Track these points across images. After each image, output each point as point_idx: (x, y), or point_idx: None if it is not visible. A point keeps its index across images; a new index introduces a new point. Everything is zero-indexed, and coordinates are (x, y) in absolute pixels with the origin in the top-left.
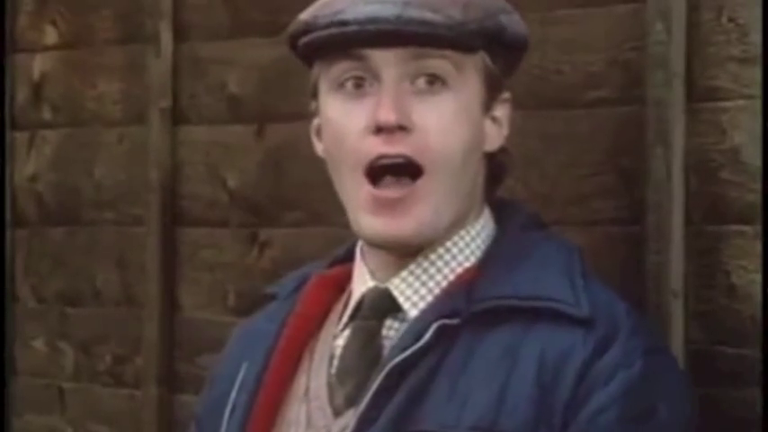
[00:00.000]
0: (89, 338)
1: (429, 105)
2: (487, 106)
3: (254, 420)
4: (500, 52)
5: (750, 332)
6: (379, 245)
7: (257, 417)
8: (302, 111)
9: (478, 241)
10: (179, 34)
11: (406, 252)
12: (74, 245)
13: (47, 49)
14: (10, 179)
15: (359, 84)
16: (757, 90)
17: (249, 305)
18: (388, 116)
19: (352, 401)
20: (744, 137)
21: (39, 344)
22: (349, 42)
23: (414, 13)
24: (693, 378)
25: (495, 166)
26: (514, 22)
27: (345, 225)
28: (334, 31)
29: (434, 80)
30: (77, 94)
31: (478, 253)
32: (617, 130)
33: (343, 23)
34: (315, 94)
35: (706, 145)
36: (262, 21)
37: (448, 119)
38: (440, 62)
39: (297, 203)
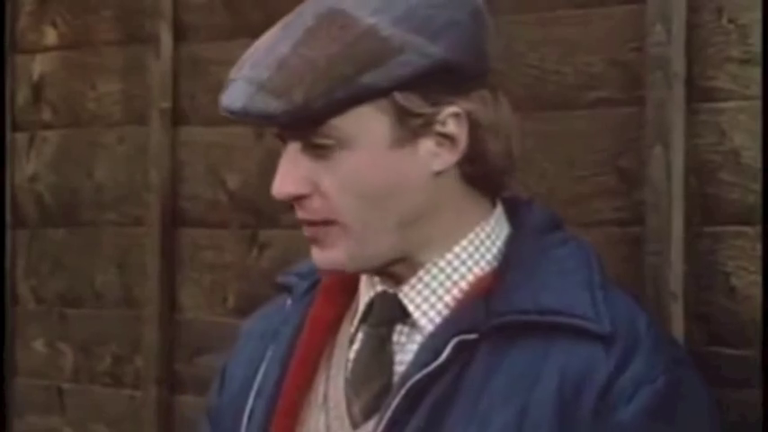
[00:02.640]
0: (89, 339)
1: (325, 169)
2: (417, 133)
3: (274, 427)
4: (409, 85)
5: (750, 333)
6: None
7: (277, 423)
8: None
9: (488, 243)
10: (179, 35)
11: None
12: (74, 246)
13: (47, 49)
14: (10, 180)
15: (283, 141)
16: (757, 91)
17: (249, 306)
18: (279, 189)
19: (369, 413)
20: (744, 138)
21: (38, 345)
22: None
23: (258, 103)
24: None
25: (472, 176)
26: (396, 68)
27: None
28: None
29: (325, 145)
30: (77, 94)
31: (489, 257)
32: (617, 131)
33: (223, 106)
34: None
35: (706, 146)
36: (262, 22)
37: (346, 179)
38: (323, 127)
39: None
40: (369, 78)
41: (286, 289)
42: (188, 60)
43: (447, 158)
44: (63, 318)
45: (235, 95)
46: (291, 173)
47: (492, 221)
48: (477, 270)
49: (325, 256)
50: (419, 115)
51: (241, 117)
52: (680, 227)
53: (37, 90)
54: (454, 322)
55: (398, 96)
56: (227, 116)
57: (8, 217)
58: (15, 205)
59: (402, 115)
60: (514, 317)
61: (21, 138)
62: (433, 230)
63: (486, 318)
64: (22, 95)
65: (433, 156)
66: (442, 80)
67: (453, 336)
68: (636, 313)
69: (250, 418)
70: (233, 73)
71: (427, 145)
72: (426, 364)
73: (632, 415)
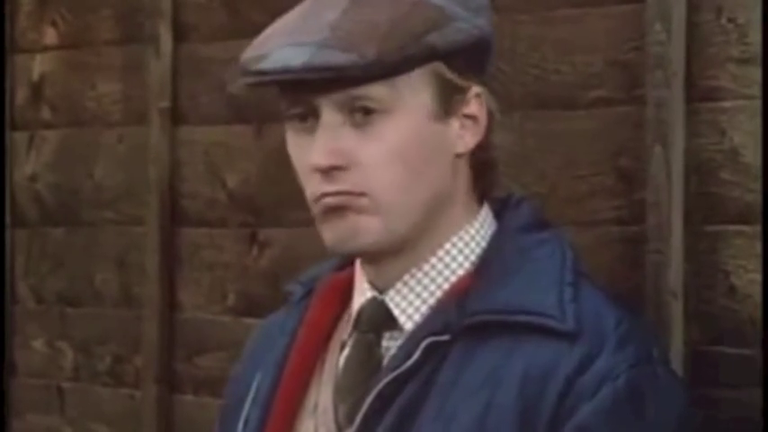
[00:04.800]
0: (89, 339)
1: (367, 138)
2: (448, 111)
3: None
4: (451, 57)
5: (750, 332)
6: (340, 252)
7: (271, 430)
8: None
9: (473, 245)
10: (179, 34)
11: (375, 258)
12: (73, 245)
13: (46, 49)
14: (10, 179)
15: (303, 118)
16: (757, 90)
17: (248, 305)
18: (319, 159)
19: (352, 419)
20: (743, 137)
21: (38, 344)
22: (272, 89)
23: (324, 57)
24: (693, 379)
25: (478, 165)
26: (453, 33)
27: None
28: (255, 80)
29: (370, 111)
30: (77, 94)
31: (473, 257)
32: (616, 131)
33: (262, 73)
34: None
35: (706, 145)
36: (261, 21)
37: (387, 149)
38: (373, 90)
39: (296, 203)
40: (433, 39)
41: (289, 297)
42: (188, 60)
43: (469, 140)
44: (63, 317)
45: (286, 56)
46: (329, 144)
47: (476, 224)
48: (460, 272)
49: (349, 226)
50: (457, 89)
51: (300, 74)
52: (680, 226)
53: (36, 89)
54: (428, 324)
55: (442, 67)
56: (260, 80)
57: (8, 216)
58: (15, 205)
59: (443, 87)
60: (484, 316)
61: (20, 137)
62: (442, 220)
63: (458, 318)
64: (21, 95)
65: (458, 137)
66: (473, 58)
67: (425, 337)
68: (606, 310)
69: (246, 424)
70: (257, 49)
71: (454, 125)
72: (398, 367)
73: (592, 413)
